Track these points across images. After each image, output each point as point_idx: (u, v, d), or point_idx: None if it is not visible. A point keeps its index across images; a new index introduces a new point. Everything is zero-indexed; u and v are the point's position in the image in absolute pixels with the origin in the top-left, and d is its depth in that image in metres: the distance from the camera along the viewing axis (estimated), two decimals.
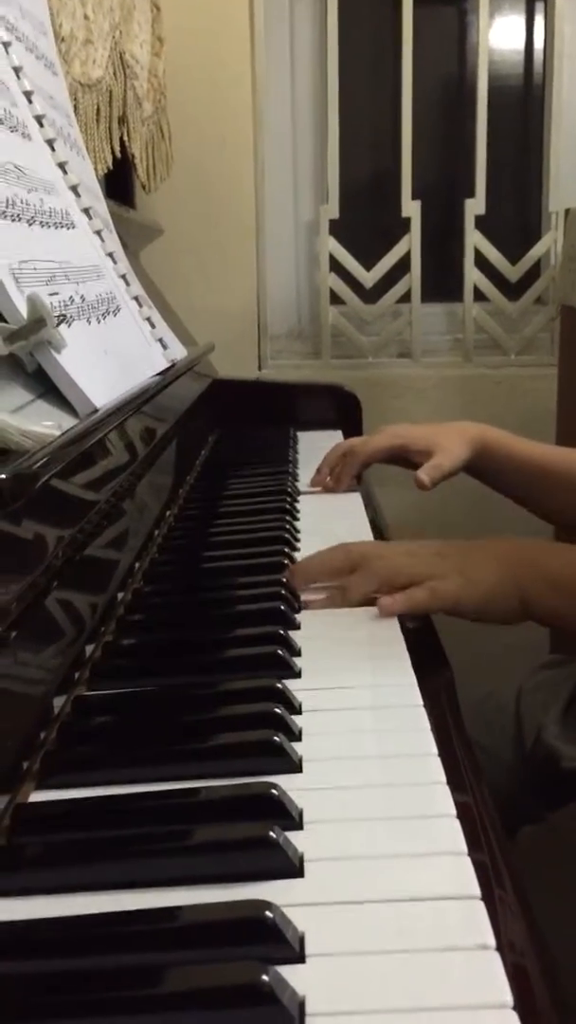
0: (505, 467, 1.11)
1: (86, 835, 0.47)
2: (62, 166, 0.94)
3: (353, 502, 1.13)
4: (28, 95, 0.90)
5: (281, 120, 1.95)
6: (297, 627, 0.73)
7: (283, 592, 0.76)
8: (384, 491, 1.24)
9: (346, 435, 1.52)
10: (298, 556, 0.89)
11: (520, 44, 2.02)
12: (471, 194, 1.92)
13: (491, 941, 0.39)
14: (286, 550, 0.90)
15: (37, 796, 0.52)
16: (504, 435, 1.13)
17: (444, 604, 0.73)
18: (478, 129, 1.91)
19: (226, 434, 1.53)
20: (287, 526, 0.99)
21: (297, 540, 0.97)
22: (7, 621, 0.50)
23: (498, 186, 1.94)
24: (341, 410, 1.60)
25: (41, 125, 0.91)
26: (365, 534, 0.99)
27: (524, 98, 2.04)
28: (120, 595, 0.78)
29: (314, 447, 1.36)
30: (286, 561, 0.85)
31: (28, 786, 0.52)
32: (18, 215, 0.75)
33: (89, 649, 0.67)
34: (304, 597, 0.77)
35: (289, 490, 1.15)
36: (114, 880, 0.43)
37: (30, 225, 0.77)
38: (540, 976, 0.39)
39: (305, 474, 1.24)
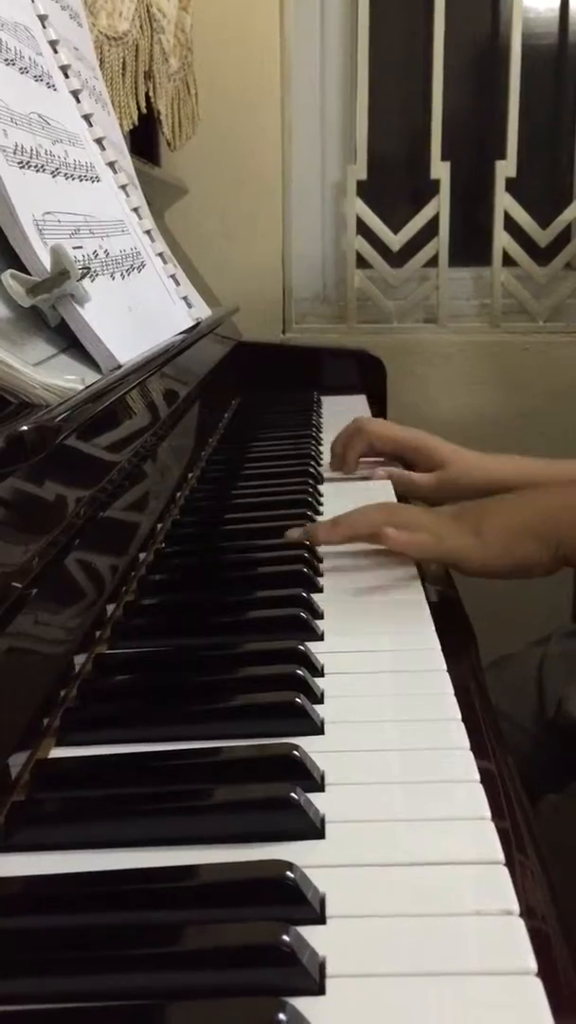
0: None
1: (106, 792, 0.47)
2: (87, 118, 0.92)
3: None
4: (53, 45, 0.88)
5: (309, 79, 1.92)
6: (320, 590, 0.72)
7: (305, 555, 0.76)
8: None
9: (370, 400, 1.51)
10: (320, 520, 0.88)
11: (555, 2, 1.97)
12: (502, 156, 1.88)
13: (515, 907, 0.38)
14: (308, 513, 0.89)
15: (57, 752, 0.51)
16: (546, 471, 0.99)
17: (448, 556, 0.74)
18: (510, 90, 1.86)
19: (250, 397, 1.52)
20: (310, 489, 0.98)
21: (320, 504, 0.96)
22: (28, 577, 0.50)
23: (529, 148, 1.90)
24: (366, 375, 1.58)
25: (66, 76, 0.90)
26: (389, 497, 0.98)
27: (558, 58, 1.99)
28: (142, 555, 0.78)
29: (338, 411, 1.35)
30: (309, 524, 0.84)
31: (48, 742, 0.52)
32: (42, 166, 0.73)
33: (110, 608, 0.67)
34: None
35: (312, 454, 1.14)
36: (134, 837, 0.43)
37: (54, 177, 0.75)
38: (563, 943, 0.39)
39: (329, 438, 1.22)
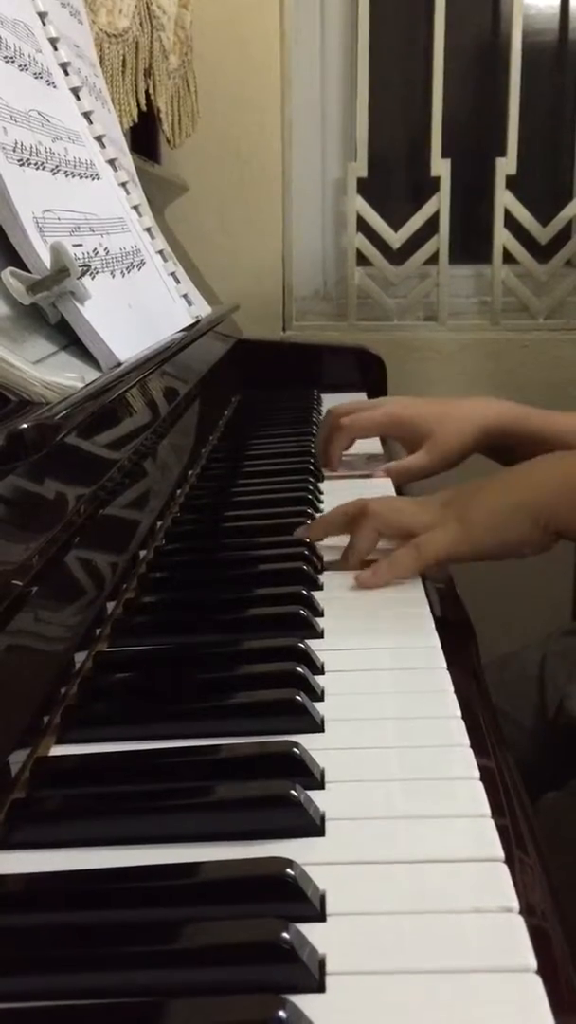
0: (529, 452, 0.92)
1: (106, 789, 0.47)
2: (87, 116, 0.92)
3: (377, 463, 1.11)
4: (53, 42, 0.88)
5: (310, 76, 1.91)
6: (320, 587, 0.72)
7: (306, 552, 0.76)
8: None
9: (370, 398, 1.51)
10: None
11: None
12: (502, 153, 1.88)
13: (515, 904, 0.38)
14: (308, 510, 0.89)
15: (58, 750, 0.51)
16: (529, 415, 1.00)
17: (433, 559, 0.71)
18: (511, 86, 1.86)
19: (250, 395, 1.52)
20: (310, 486, 0.98)
21: (320, 501, 0.96)
22: (29, 575, 0.50)
23: (530, 145, 1.90)
24: (366, 372, 1.58)
25: (66, 73, 0.90)
26: (388, 493, 0.98)
27: (558, 55, 1.99)
28: (142, 553, 0.78)
29: None
30: (309, 522, 0.84)
31: (49, 740, 0.52)
32: (42, 163, 0.73)
33: (111, 606, 0.67)
34: (325, 558, 0.77)
35: (312, 452, 1.13)
36: (134, 835, 0.43)
37: (54, 174, 0.75)
38: (563, 941, 0.39)
39: None
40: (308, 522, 0.83)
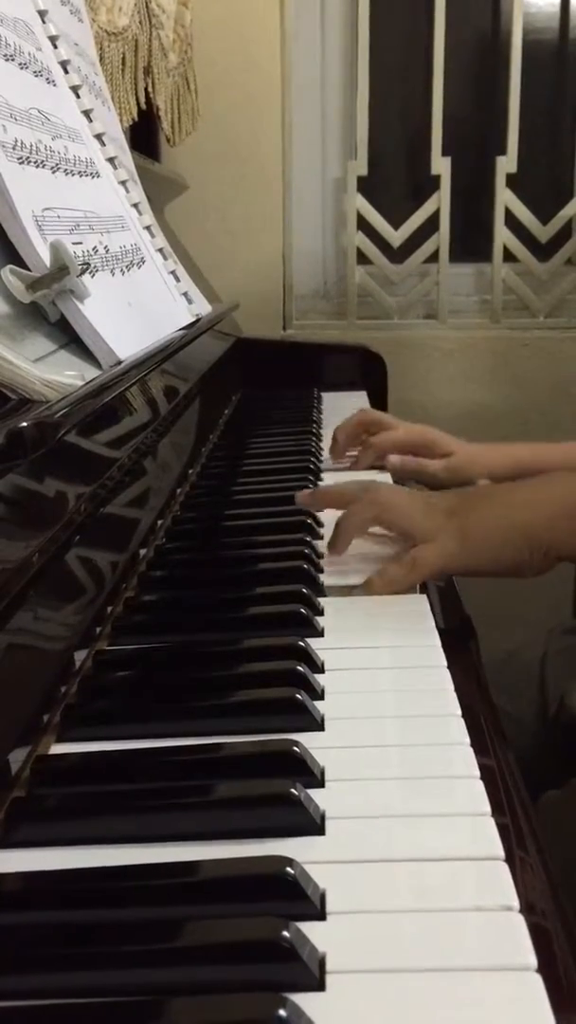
0: None
1: (106, 788, 0.47)
2: (87, 114, 0.92)
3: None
4: (53, 40, 0.88)
5: (310, 74, 1.91)
6: (320, 586, 0.72)
7: (306, 551, 0.76)
8: None
9: (371, 396, 1.51)
10: (320, 515, 0.88)
11: None
12: (502, 151, 1.88)
13: (515, 903, 0.38)
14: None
15: (58, 748, 0.51)
16: (519, 455, 1.05)
17: (428, 576, 0.71)
18: (511, 85, 1.86)
19: (250, 393, 1.52)
20: (310, 485, 0.98)
21: None
22: (29, 574, 0.50)
23: (530, 144, 1.90)
24: (366, 371, 1.58)
25: (66, 71, 0.90)
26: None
27: (559, 53, 1.98)
28: (142, 552, 0.78)
29: (338, 408, 1.34)
30: (309, 520, 0.84)
31: (49, 738, 0.52)
32: (42, 162, 0.73)
33: (111, 605, 0.67)
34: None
35: (313, 450, 1.14)
36: (134, 833, 0.43)
37: (54, 172, 0.75)
38: (563, 939, 0.39)
39: (329, 435, 1.22)
40: (309, 521, 0.82)
